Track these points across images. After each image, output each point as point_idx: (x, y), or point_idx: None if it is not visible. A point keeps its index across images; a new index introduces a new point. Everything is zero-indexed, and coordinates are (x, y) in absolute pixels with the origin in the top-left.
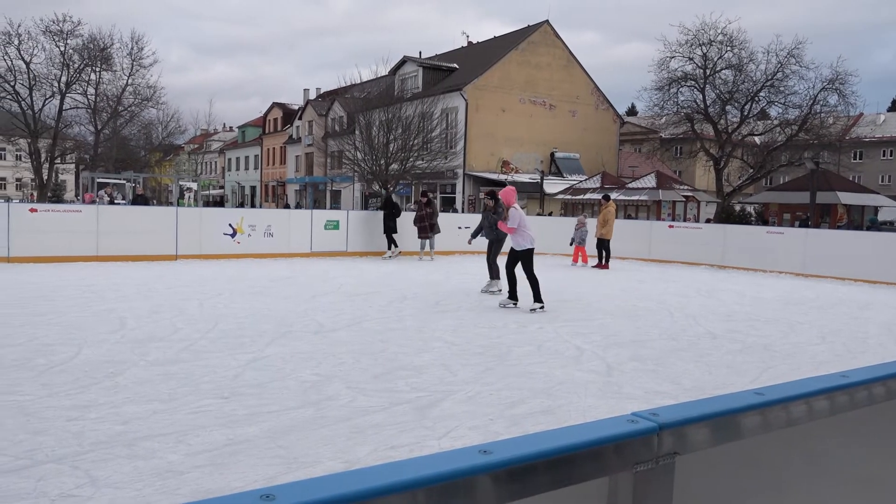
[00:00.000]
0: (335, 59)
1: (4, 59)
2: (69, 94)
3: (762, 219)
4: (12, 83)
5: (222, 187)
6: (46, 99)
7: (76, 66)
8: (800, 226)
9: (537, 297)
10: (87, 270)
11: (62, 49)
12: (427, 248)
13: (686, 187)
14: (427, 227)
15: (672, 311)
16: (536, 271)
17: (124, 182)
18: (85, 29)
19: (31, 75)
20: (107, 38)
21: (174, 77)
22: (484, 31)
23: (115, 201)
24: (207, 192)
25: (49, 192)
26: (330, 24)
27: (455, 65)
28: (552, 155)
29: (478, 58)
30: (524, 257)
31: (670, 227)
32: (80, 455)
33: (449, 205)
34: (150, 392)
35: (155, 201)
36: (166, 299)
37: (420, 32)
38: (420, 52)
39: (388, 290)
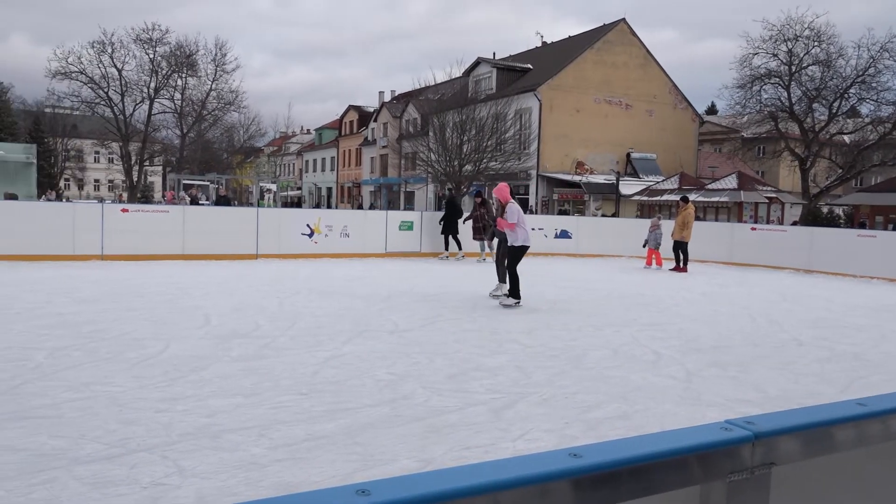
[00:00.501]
0: (410, 62)
1: (99, 67)
2: (157, 100)
3: (852, 221)
4: (106, 90)
5: (300, 188)
6: (137, 104)
7: (164, 72)
8: (893, 229)
9: (515, 294)
10: (174, 268)
11: (151, 56)
12: (487, 250)
13: (769, 188)
14: (481, 228)
15: (755, 317)
16: (605, 273)
17: (208, 183)
18: (172, 37)
19: (123, 82)
20: (192, 46)
21: (256, 82)
22: (559, 31)
23: (199, 202)
24: (286, 193)
25: (138, 193)
26: (405, 27)
27: (529, 65)
28: (628, 155)
29: (552, 58)
30: (519, 253)
31: (753, 229)
32: (169, 445)
33: (522, 206)
34: (234, 387)
35: (236, 202)
36: (248, 297)
37: (494, 34)
38: (494, 54)
39: (462, 291)
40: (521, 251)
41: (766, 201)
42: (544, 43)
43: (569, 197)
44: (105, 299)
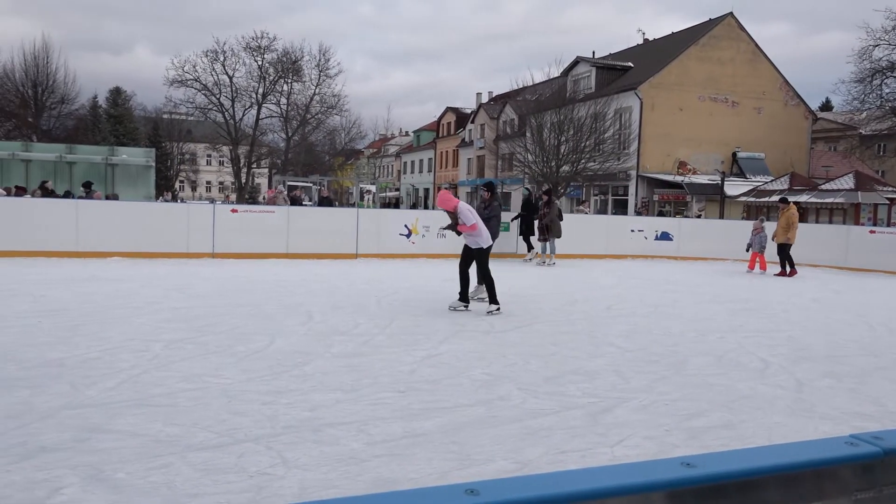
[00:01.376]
0: (509, 63)
1: (212, 75)
2: (265, 105)
3: None
4: (218, 96)
5: (398, 190)
6: (246, 109)
7: (271, 78)
8: None
9: (493, 299)
10: (279, 267)
11: (260, 63)
12: (548, 251)
13: (890, 189)
14: (544, 228)
15: (874, 325)
16: (708, 277)
17: (311, 185)
18: (279, 44)
19: (234, 88)
20: (298, 52)
21: (357, 86)
22: (662, 27)
23: (303, 203)
24: (384, 194)
25: (246, 194)
26: (505, 28)
27: (630, 63)
28: (734, 155)
29: (654, 55)
30: (482, 256)
31: (871, 232)
32: (274, 437)
33: (621, 207)
34: (334, 382)
35: (337, 203)
36: (348, 296)
37: (594, 33)
38: (593, 53)
39: (558, 293)
40: (485, 253)
41: (887, 202)
42: (646, 40)
43: (670, 198)
44: (215, 295)
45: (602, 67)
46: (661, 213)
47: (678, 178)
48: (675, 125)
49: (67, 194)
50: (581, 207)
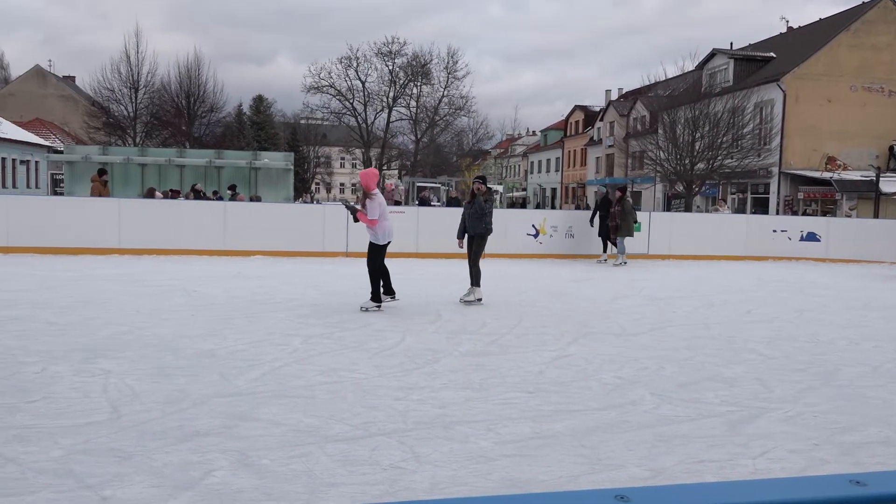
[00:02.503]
0: (641, 59)
1: (346, 80)
2: (395, 108)
3: None
4: (351, 101)
5: (524, 189)
6: (377, 113)
7: (401, 82)
8: None
9: (375, 297)
10: (408, 265)
11: (390, 68)
12: (616, 251)
13: None
14: (614, 228)
15: None
16: (861, 281)
17: (439, 185)
18: (409, 48)
19: (366, 93)
20: (427, 55)
21: (486, 87)
22: (808, 14)
23: (431, 203)
24: (511, 194)
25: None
26: (638, 23)
27: (772, 54)
28: (891, 149)
29: (798, 44)
30: (374, 252)
31: None
32: (405, 432)
33: (761, 206)
34: (463, 380)
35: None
36: None
37: (732, 23)
38: (731, 44)
39: (693, 295)
40: (383, 250)
41: None
42: (790, 28)
43: (816, 196)
44: (349, 293)
45: (741, 59)
46: (805, 213)
47: (826, 175)
48: (822, 118)
49: (216, 195)
50: (717, 207)
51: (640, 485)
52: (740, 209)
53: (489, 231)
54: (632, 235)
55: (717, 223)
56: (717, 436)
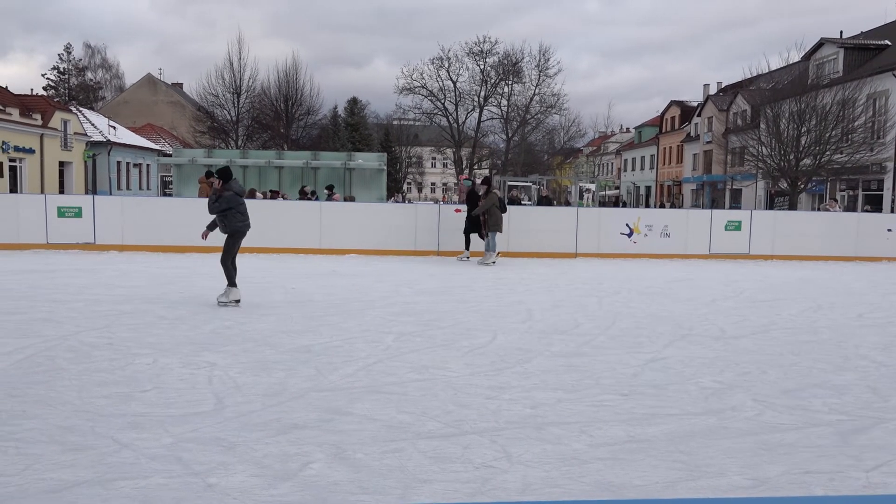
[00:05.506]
0: (742, 52)
1: (437, 81)
2: (486, 107)
3: None
4: (443, 101)
5: (617, 188)
6: (468, 112)
7: (492, 81)
8: None
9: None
10: (499, 265)
11: (482, 67)
12: (489, 248)
13: None
14: (483, 223)
15: None
16: None
17: (530, 184)
18: (500, 47)
19: (457, 93)
20: (518, 53)
21: (582, 83)
22: None
23: (522, 202)
24: (604, 192)
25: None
26: (741, 14)
27: (886, 42)
28: None
29: None
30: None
31: None
32: (497, 431)
33: (874, 204)
34: (555, 381)
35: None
36: (567, 295)
37: (843, 10)
38: (840, 33)
39: (798, 297)
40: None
41: None
42: None
43: None
44: (440, 291)
45: (851, 48)
46: None
47: None
48: None
49: (313, 196)
50: (828, 206)
51: (742, 495)
52: (851, 207)
53: (237, 229)
54: (500, 231)
55: (824, 222)
56: (825, 446)
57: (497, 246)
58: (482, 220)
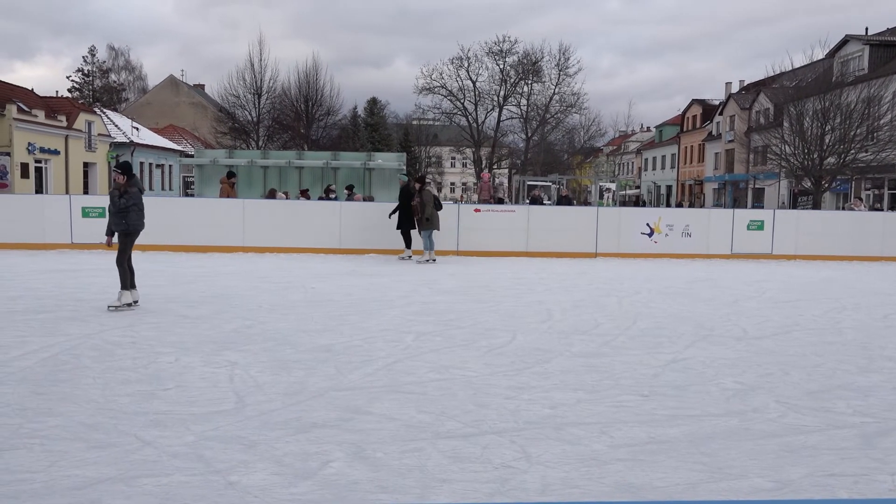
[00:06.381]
0: (766, 49)
1: (457, 81)
2: (505, 107)
3: None
4: (462, 101)
5: (638, 187)
6: (487, 112)
7: (512, 80)
8: None
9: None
10: (518, 265)
11: (501, 67)
12: (427, 247)
13: None
14: (419, 222)
15: None
16: None
17: (550, 184)
18: (520, 46)
19: (477, 92)
20: (538, 53)
21: (603, 82)
22: None
23: (542, 202)
24: (624, 192)
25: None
26: (765, 11)
27: None
28: None
29: None
30: (131, 242)
31: None
32: (516, 431)
33: None
34: (575, 381)
35: (576, 202)
36: (587, 295)
37: (867, 8)
38: (866, 29)
39: (822, 298)
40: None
41: None
42: None
43: None
44: (459, 291)
45: (877, 45)
46: None
47: None
48: None
49: (334, 195)
50: (853, 205)
51: (765, 497)
52: (876, 206)
53: (136, 228)
54: (437, 229)
55: (849, 221)
56: (849, 448)
57: (434, 244)
58: (416, 218)
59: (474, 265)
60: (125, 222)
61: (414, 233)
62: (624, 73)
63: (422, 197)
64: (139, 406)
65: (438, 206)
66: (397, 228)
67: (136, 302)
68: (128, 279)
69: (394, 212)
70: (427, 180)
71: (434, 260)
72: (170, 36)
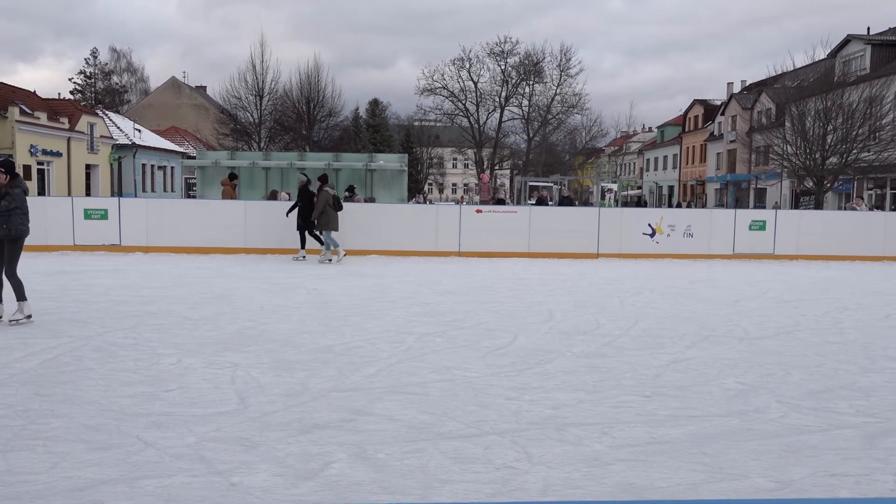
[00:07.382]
0: (768, 49)
1: (458, 81)
2: (507, 108)
3: None
4: (464, 101)
5: (640, 188)
6: (489, 113)
7: (513, 81)
8: None
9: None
10: (520, 265)
11: (503, 67)
12: (331, 247)
13: None
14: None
15: None
16: None
17: (551, 185)
18: (521, 47)
19: (478, 93)
20: (539, 53)
21: (605, 82)
22: None
23: (548, 203)
24: (626, 192)
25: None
26: (767, 11)
27: None
28: None
29: None
30: (19, 248)
31: None
32: (518, 432)
33: None
34: (576, 382)
35: (577, 202)
36: (589, 295)
37: (869, 8)
38: (868, 29)
39: (824, 298)
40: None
41: None
42: None
43: None
44: (461, 292)
45: (879, 45)
46: None
47: None
48: None
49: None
50: (855, 204)
51: (767, 497)
52: (878, 206)
53: (21, 233)
54: (335, 229)
55: (851, 221)
56: (851, 448)
57: (339, 243)
58: (314, 219)
59: (476, 266)
60: (6, 227)
61: (335, 234)
62: (626, 73)
63: (321, 197)
64: (141, 407)
65: (337, 207)
66: (297, 229)
67: (30, 316)
68: (22, 290)
69: (290, 210)
70: (329, 181)
71: (331, 260)
72: (172, 37)
